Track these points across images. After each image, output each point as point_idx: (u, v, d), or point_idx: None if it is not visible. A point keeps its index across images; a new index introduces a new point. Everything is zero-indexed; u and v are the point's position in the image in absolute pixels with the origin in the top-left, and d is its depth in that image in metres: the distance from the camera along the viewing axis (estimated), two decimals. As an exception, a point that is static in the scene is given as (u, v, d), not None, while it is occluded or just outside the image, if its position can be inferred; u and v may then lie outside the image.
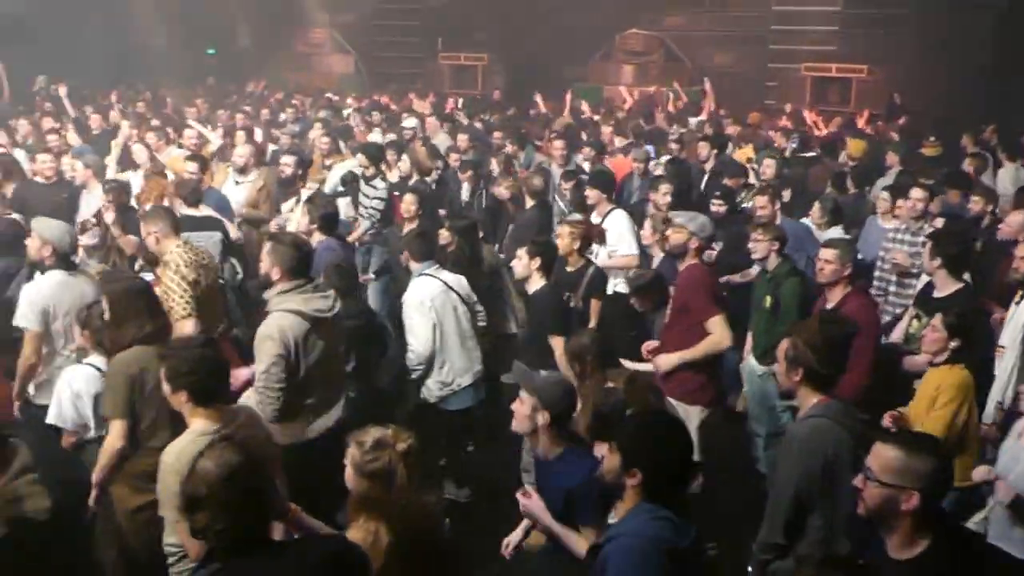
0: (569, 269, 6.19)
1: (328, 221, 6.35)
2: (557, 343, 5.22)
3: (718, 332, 5.14)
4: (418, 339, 5.42)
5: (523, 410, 3.66)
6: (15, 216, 6.97)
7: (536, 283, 5.56)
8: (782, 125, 12.90)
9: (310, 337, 4.47)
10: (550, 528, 3.52)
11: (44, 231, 5.31)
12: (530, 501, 3.57)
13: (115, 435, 4.01)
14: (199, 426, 3.55)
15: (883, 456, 2.79)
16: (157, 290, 5.01)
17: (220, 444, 2.56)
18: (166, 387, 3.62)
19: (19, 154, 9.72)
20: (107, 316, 4.25)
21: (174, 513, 3.28)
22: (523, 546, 5.17)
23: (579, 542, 3.43)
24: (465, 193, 9.11)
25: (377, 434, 3.10)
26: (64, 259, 5.28)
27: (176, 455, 3.40)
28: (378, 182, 8.29)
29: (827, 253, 5.42)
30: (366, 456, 3.03)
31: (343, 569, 2.62)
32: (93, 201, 7.61)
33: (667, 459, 2.93)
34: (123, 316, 4.21)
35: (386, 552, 2.90)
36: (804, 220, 7.55)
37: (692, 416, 5.14)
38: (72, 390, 4.28)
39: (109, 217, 7.00)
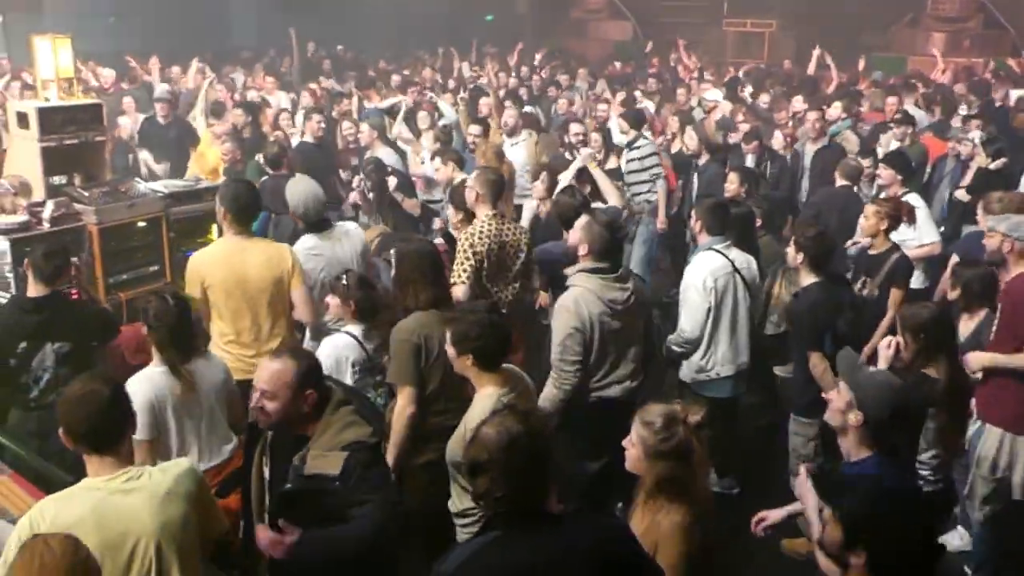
0: (872, 252, 5.85)
1: None
2: (813, 358, 4.93)
3: None
4: (689, 319, 5.28)
5: (838, 403, 3.55)
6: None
7: (805, 278, 5.21)
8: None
9: (604, 320, 4.56)
10: (808, 515, 3.39)
11: (288, 192, 5.55)
12: (803, 480, 3.44)
13: (405, 401, 4.19)
14: (490, 390, 3.72)
15: None
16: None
17: (502, 412, 2.63)
18: (451, 351, 3.79)
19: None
20: (393, 275, 4.47)
21: None
22: (784, 546, 5.04)
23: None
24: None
25: (664, 411, 3.08)
26: (311, 223, 5.45)
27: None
28: (642, 141, 8.33)
29: None
30: (659, 435, 3.01)
31: (615, 556, 2.62)
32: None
33: (900, 541, 2.56)
34: (406, 278, 4.41)
35: (693, 534, 2.93)
36: None
37: (1020, 448, 4.64)
38: (335, 356, 4.49)
39: (391, 183, 7.49)
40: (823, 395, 3.81)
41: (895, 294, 5.68)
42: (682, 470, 3.00)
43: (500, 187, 5.73)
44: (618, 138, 9.00)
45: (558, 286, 5.43)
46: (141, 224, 6.47)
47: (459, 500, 3.83)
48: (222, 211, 5.00)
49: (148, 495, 2.90)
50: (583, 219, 4.81)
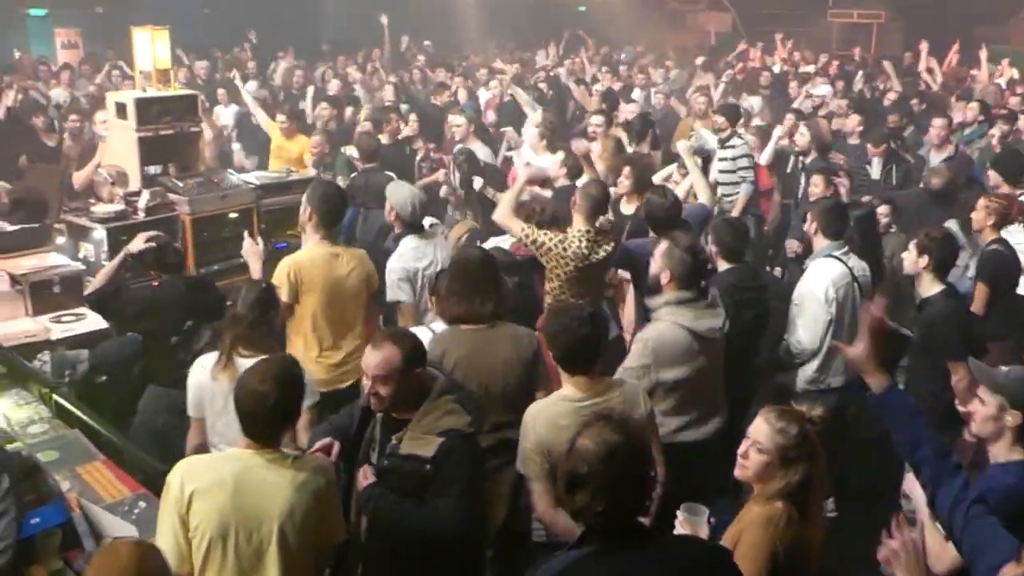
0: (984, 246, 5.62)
1: None
2: (955, 369, 4.60)
3: None
4: (808, 332, 5.09)
5: (986, 411, 3.39)
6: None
7: (928, 286, 4.91)
8: None
9: (692, 353, 4.33)
10: (922, 518, 3.25)
11: (390, 194, 5.48)
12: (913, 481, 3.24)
13: None
14: (567, 391, 3.73)
15: None
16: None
17: (598, 423, 2.56)
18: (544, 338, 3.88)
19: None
20: (447, 281, 4.38)
21: (530, 470, 3.60)
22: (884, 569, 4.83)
23: (938, 543, 3.12)
24: (875, 170, 8.44)
25: (795, 414, 3.08)
26: (410, 225, 5.38)
27: (534, 415, 3.66)
28: (736, 140, 8.24)
29: None
30: (795, 439, 3.01)
31: None
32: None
33: None
34: (452, 287, 4.28)
35: (781, 529, 2.94)
36: None
37: None
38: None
39: (477, 184, 7.46)
40: (959, 408, 3.65)
41: (979, 288, 5.38)
42: (813, 471, 3.01)
43: (602, 205, 5.46)
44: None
45: (640, 291, 5.33)
46: (233, 215, 6.63)
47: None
48: (308, 211, 4.99)
49: (288, 479, 3.05)
50: (662, 245, 4.54)
